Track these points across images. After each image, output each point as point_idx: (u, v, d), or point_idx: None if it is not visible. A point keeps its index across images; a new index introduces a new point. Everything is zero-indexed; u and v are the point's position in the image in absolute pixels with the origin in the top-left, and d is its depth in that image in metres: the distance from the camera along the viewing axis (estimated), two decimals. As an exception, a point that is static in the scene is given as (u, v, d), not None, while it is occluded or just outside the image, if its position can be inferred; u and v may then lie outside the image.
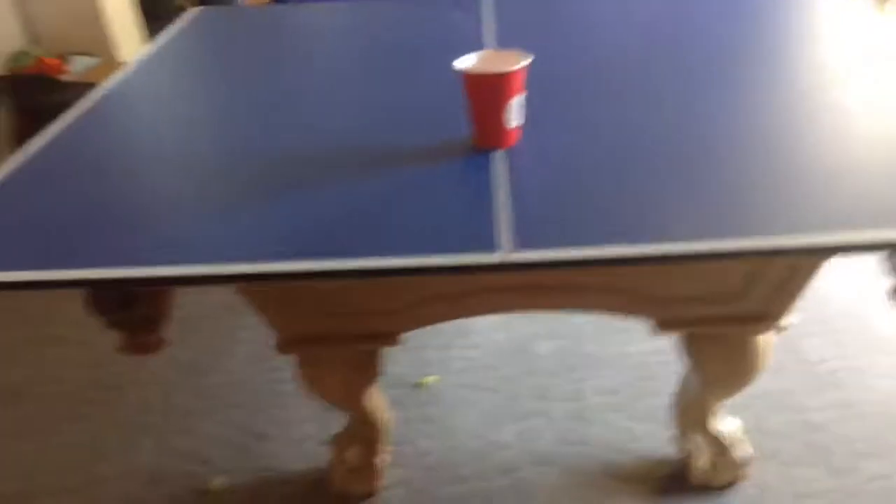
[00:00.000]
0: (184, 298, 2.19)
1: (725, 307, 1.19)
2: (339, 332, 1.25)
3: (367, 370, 1.39)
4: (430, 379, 1.92)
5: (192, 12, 1.84)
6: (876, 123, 1.04)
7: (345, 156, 1.07)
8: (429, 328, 1.27)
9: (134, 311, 1.07)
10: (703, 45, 1.39)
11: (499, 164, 1.00)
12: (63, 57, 3.42)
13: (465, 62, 1.01)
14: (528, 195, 0.93)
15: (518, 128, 1.04)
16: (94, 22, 3.45)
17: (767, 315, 1.19)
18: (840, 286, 2.16)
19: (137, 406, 1.93)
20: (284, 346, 1.28)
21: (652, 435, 1.71)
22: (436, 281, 1.18)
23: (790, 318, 1.20)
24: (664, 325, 1.22)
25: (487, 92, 0.99)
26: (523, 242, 0.84)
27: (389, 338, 1.26)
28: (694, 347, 1.33)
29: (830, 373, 1.85)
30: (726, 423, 1.53)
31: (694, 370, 1.38)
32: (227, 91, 1.38)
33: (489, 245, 0.84)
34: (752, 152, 0.99)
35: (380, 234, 0.88)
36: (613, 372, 1.90)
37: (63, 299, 2.32)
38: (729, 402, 1.44)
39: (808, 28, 1.46)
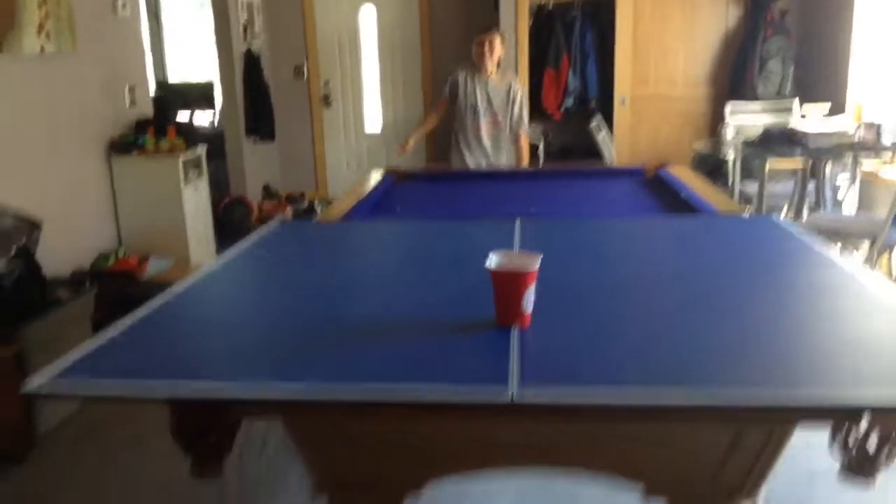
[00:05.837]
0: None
1: (705, 476, 1.38)
2: (370, 474, 1.46)
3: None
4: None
5: (272, 224, 2.26)
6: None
7: (396, 327, 1.40)
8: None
9: (210, 437, 1.33)
10: (693, 282, 1.70)
11: (515, 337, 1.31)
12: (141, 258, 3.92)
13: (493, 261, 1.36)
14: (535, 359, 1.23)
15: (531, 313, 1.36)
16: (176, 230, 4.01)
17: (742, 487, 1.38)
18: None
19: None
20: (320, 487, 1.49)
21: None
22: (458, 431, 1.40)
23: (763, 494, 1.40)
24: (652, 488, 1.41)
25: (508, 284, 1.33)
26: (529, 388, 1.12)
27: (417, 484, 1.46)
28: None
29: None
30: None
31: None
32: (304, 281, 1.75)
33: (503, 389, 1.12)
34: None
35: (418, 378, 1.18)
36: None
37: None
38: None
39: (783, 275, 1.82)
